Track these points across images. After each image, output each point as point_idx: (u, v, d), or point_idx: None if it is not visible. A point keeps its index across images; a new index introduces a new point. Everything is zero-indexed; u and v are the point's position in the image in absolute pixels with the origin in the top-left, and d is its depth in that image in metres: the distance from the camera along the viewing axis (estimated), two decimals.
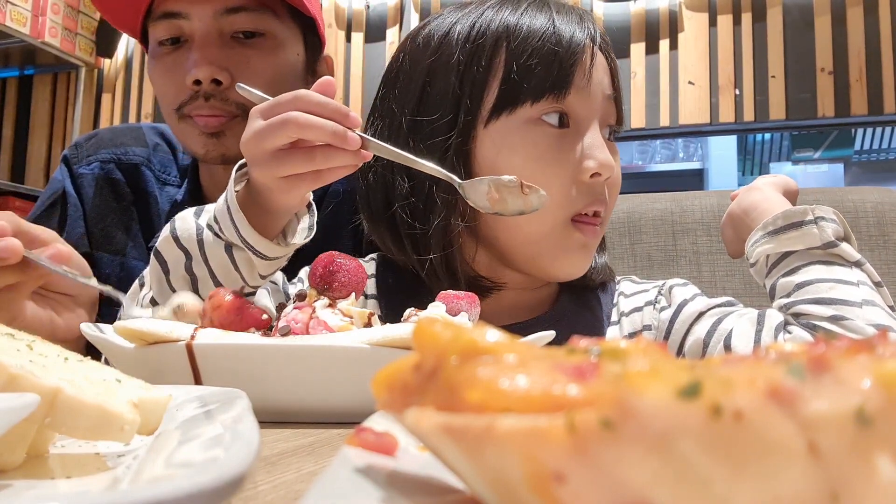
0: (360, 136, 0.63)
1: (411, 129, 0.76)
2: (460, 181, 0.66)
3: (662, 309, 0.79)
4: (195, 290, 0.70)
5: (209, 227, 0.69)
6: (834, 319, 0.68)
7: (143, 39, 1.00)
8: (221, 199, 0.69)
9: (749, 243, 0.79)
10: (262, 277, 0.72)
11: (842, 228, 0.75)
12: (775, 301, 0.75)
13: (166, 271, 0.71)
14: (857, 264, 0.73)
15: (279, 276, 0.83)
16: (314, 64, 1.02)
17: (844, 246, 0.73)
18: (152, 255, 0.72)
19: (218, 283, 0.70)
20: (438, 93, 0.75)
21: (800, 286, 0.72)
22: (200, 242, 0.69)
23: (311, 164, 0.63)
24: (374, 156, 0.77)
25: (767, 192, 0.83)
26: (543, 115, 0.73)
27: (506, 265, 0.78)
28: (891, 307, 0.71)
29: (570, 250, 0.75)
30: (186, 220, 0.71)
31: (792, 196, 0.85)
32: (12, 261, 0.66)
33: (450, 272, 0.75)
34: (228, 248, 0.69)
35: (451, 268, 0.75)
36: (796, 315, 0.70)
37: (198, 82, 0.91)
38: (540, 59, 0.72)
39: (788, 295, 0.72)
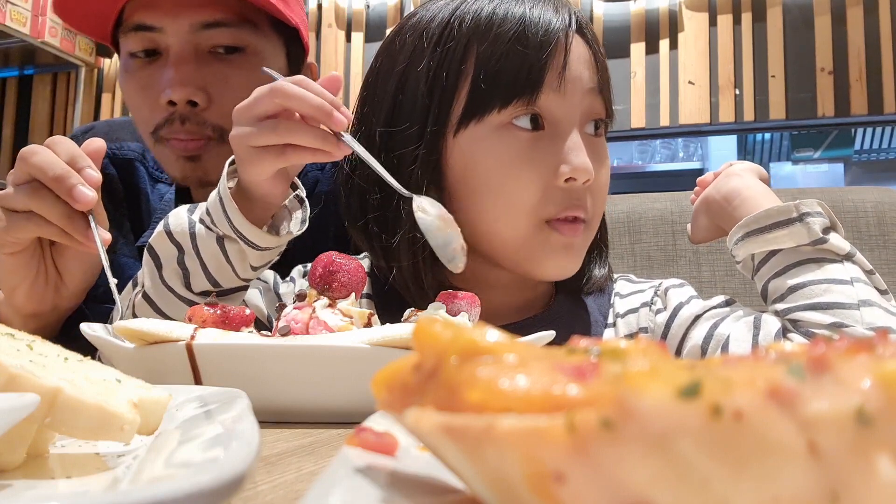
0: (344, 134, 0.63)
1: (384, 140, 0.74)
2: (409, 194, 0.64)
3: (658, 311, 0.78)
4: (187, 284, 0.71)
5: (201, 220, 0.70)
6: (833, 327, 0.66)
7: (116, 45, 0.94)
8: (213, 193, 0.70)
9: (731, 241, 0.76)
10: (254, 269, 0.72)
11: (828, 219, 0.72)
12: (770, 304, 0.73)
13: (159, 266, 0.72)
14: (848, 257, 0.71)
15: (270, 275, 0.83)
16: (298, 74, 0.97)
17: (833, 239, 0.71)
18: (146, 251, 0.73)
19: (209, 277, 0.70)
20: (408, 102, 0.74)
21: (793, 289, 0.70)
22: (193, 236, 0.70)
23: (274, 136, 0.63)
24: (355, 165, 0.77)
25: (747, 179, 0.79)
26: (514, 119, 0.71)
27: (494, 265, 0.77)
28: (883, 291, 0.70)
29: (553, 252, 0.73)
30: (179, 216, 0.72)
31: (764, 183, 0.82)
32: (81, 208, 0.68)
33: (417, 283, 0.74)
34: (220, 240, 0.69)
35: (417, 279, 0.74)
36: (793, 322, 0.69)
37: (172, 103, 0.86)
38: (508, 62, 0.70)
39: (782, 298, 0.71)
